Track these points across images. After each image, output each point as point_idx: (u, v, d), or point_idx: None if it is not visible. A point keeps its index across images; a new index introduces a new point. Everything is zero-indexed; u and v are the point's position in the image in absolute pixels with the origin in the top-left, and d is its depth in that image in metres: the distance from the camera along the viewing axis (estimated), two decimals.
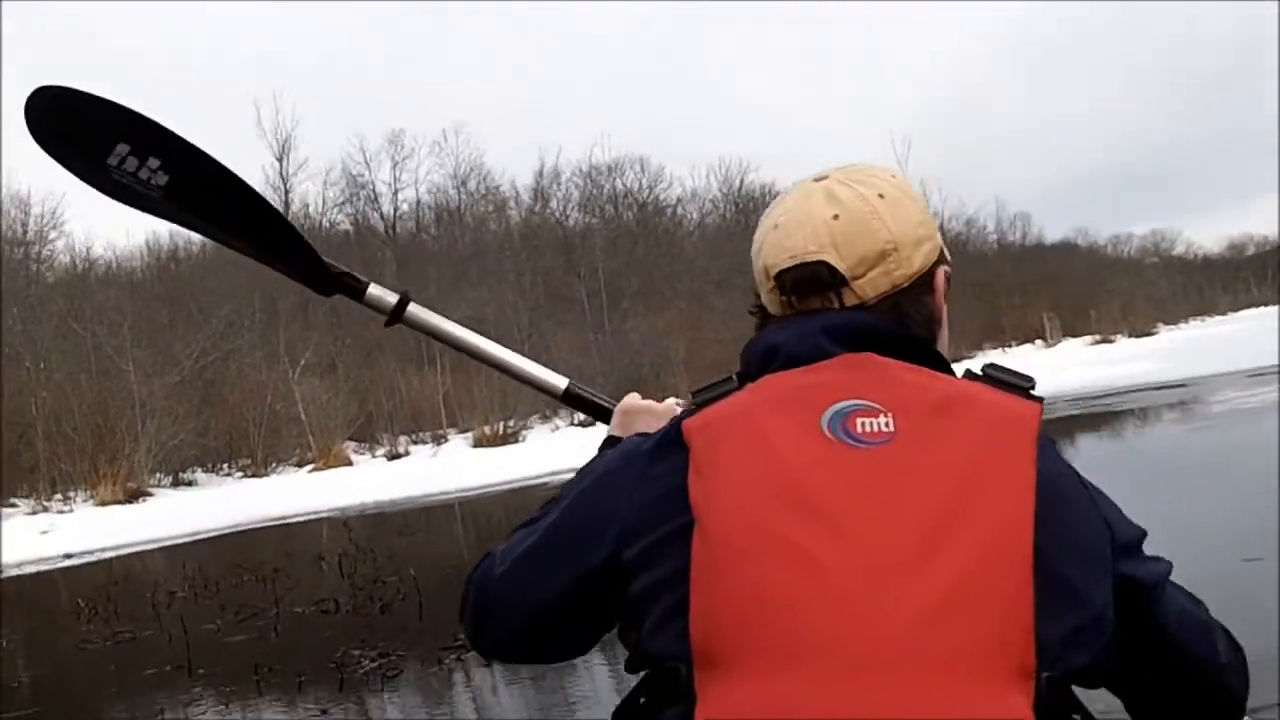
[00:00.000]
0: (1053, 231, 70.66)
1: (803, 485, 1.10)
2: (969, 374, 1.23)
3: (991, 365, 1.24)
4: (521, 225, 54.47)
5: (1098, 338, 44.76)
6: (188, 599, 12.34)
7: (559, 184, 55.16)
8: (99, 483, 29.40)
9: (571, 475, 1.37)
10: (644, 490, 1.20)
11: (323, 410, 34.27)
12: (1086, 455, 14.32)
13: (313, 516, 21.83)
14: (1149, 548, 1.27)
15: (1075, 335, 46.75)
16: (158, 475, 31.90)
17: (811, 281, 1.28)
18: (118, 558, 18.90)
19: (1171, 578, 1.28)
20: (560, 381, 1.77)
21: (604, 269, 48.11)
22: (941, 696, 1.02)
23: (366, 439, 35.76)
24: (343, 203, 55.02)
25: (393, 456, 33.53)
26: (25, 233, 43.83)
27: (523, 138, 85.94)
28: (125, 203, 1.71)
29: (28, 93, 1.69)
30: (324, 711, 6.81)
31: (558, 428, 35.49)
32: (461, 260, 49.49)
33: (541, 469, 21.35)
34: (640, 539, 1.18)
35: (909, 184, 1.36)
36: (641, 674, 1.19)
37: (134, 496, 29.21)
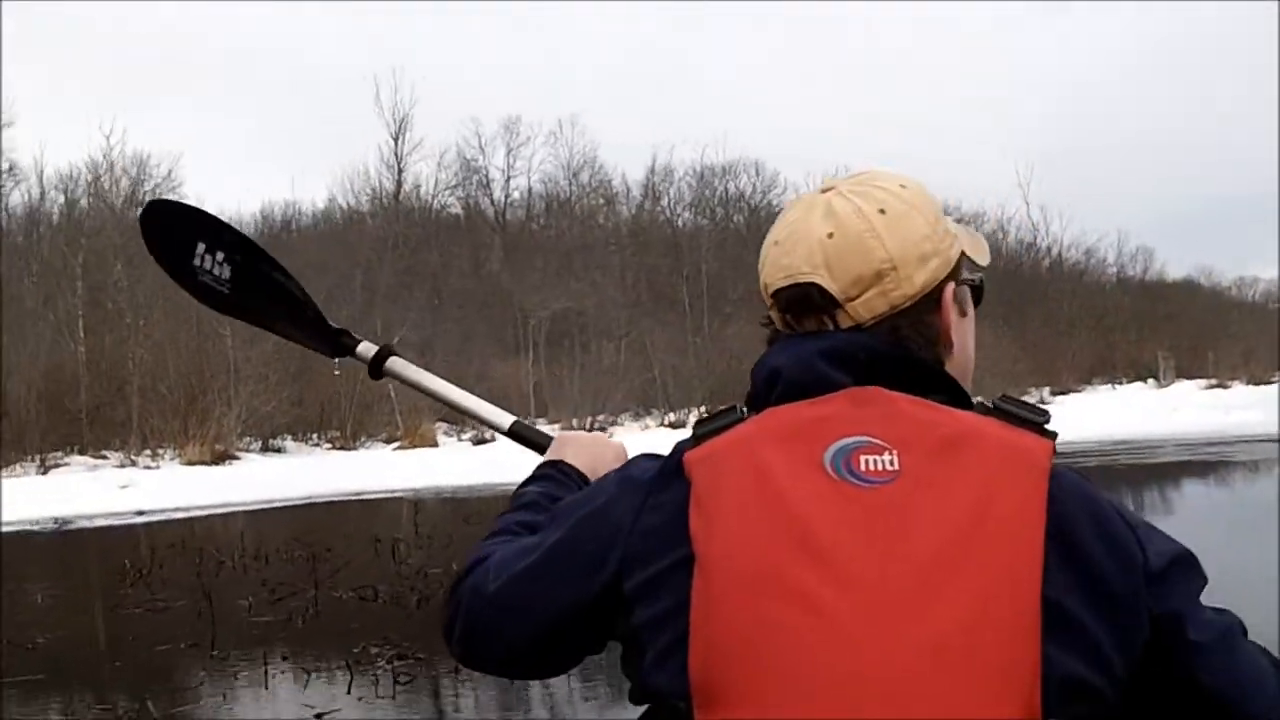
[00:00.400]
0: (1175, 269, 67.84)
1: (804, 525, 1.08)
2: (981, 406, 1.18)
3: (1005, 398, 1.18)
4: (630, 221, 54.19)
5: (1213, 381, 43.04)
6: (235, 570, 12.15)
7: (671, 182, 54.81)
8: (187, 443, 29.73)
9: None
10: (646, 518, 1.17)
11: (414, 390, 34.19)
12: (1192, 504, 13.43)
13: (388, 495, 21.68)
14: (1239, 603, 1.22)
15: (1190, 377, 44.99)
16: (247, 440, 32.17)
17: (804, 302, 1.24)
18: (186, 519, 18.89)
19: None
20: (506, 419, 1.81)
21: (708, 271, 47.56)
22: None
23: (457, 421, 35.71)
24: (454, 186, 55.25)
25: (478, 441, 33.33)
26: (142, 193, 44.72)
27: (637, 133, 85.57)
28: (206, 302, 1.99)
29: None
30: (318, 718, 6.38)
31: (648, 426, 35.07)
32: (567, 251, 49.37)
33: None
34: (642, 569, 1.16)
35: (922, 194, 1.28)
36: (644, 707, 1.17)
37: (220, 459, 29.45)
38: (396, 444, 32.88)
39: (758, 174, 55.26)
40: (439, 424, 34.69)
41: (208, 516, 19.29)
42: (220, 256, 1.95)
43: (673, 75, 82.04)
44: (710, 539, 1.11)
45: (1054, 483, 1.10)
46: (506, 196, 55.71)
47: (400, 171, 51.76)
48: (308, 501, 21.29)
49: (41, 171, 42.89)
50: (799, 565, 1.07)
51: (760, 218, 54.28)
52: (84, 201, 39.68)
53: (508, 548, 1.31)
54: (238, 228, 2.00)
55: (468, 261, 50.71)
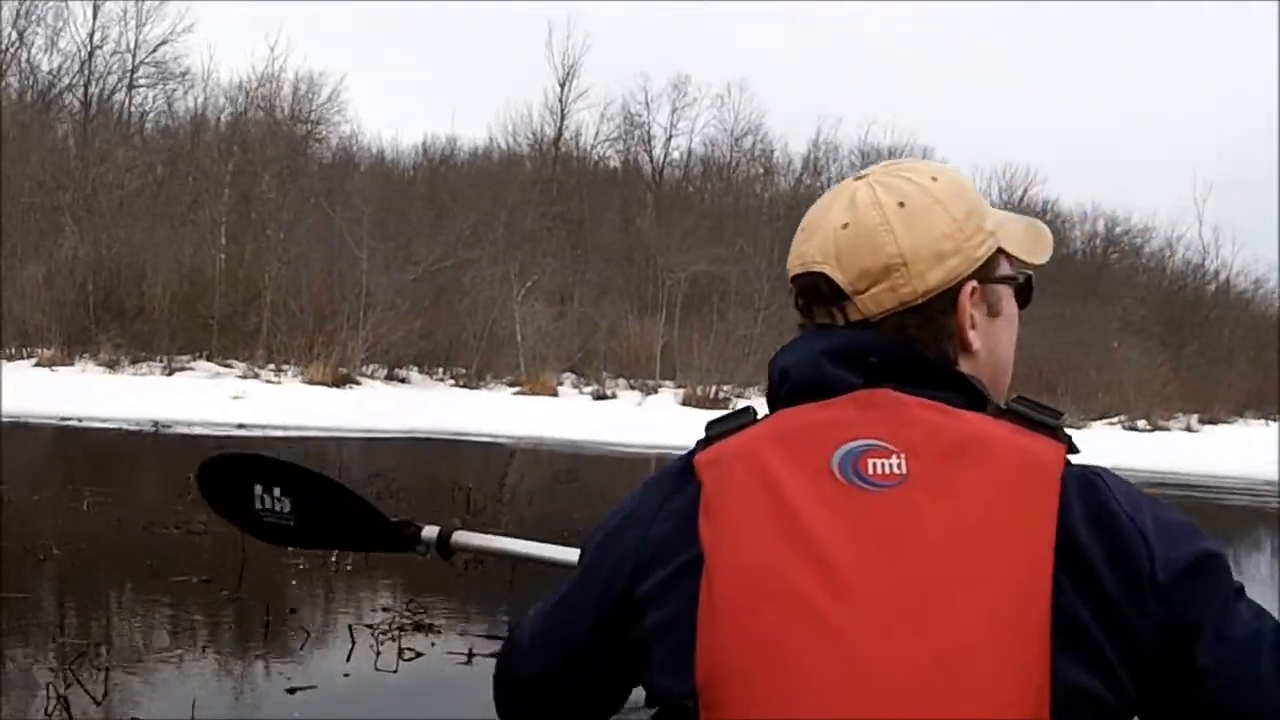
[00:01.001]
0: None
1: (809, 530, 1.07)
2: (995, 408, 1.15)
3: (1021, 399, 1.15)
4: (789, 194, 52.73)
5: None
6: None
7: (834, 158, 53.17)
8: (312, 361, 29.67)
9: None
10: (659, 525, 1.17)
11: (543, 337, 33.80)
12: None
13: (492, 439, 21.11)
14: None
15: None
16: (373, 367, 32.05)
17: (813, 292, 1.22)
18: (284, 438, 18.50)
19: None
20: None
21: None
22: None
23: (584, 374, 35.12)
24: (615, 139, 54.81)
25: (599, 397, 32.78)
26: (310, 111, 45.55)
27: (802, 105, 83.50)
28: (275, 541, 2.10)
29: None
30: (291, 691, 5.58)
31: None
32: (719, 216, 48.43)
33: None
34: (653, 573, 1.15)
35: (954, 188, 1.23)
36: (655, 709, 1.16)
37: (342, 382, 29.35)
38: (517, 388, 32.34)
39: (925, 159, 53.05)
40: (566, 375, 34.14)
41: (305, 438, 18.89)
42: (277, 492, 2.01)
43: (844, 50, 79.67)
44: (717, 543, 1.10)
45: (1065, 488, 1.07)
46: (666, 155, 55.11)
47: (562, 118, 51.78)
48: (411, 435, 20.82)
49: (208, 78, 43.52)
50: (802, 572, 1.05)
51: None
52: (248, 111, 40.17)
53: (543, 602, 1.33)
54: (285, 461, 2.07)
55: (618, 215, 50.07)
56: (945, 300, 1.19)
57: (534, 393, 31.48)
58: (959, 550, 1.04)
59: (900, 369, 1.15)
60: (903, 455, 1.08)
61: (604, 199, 50.27)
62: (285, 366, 30.28)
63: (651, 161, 55.26)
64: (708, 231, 44.67)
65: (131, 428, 18.72)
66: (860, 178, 1.26)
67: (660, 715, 1.14)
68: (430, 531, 1.97)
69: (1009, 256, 1.26)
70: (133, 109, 43.89)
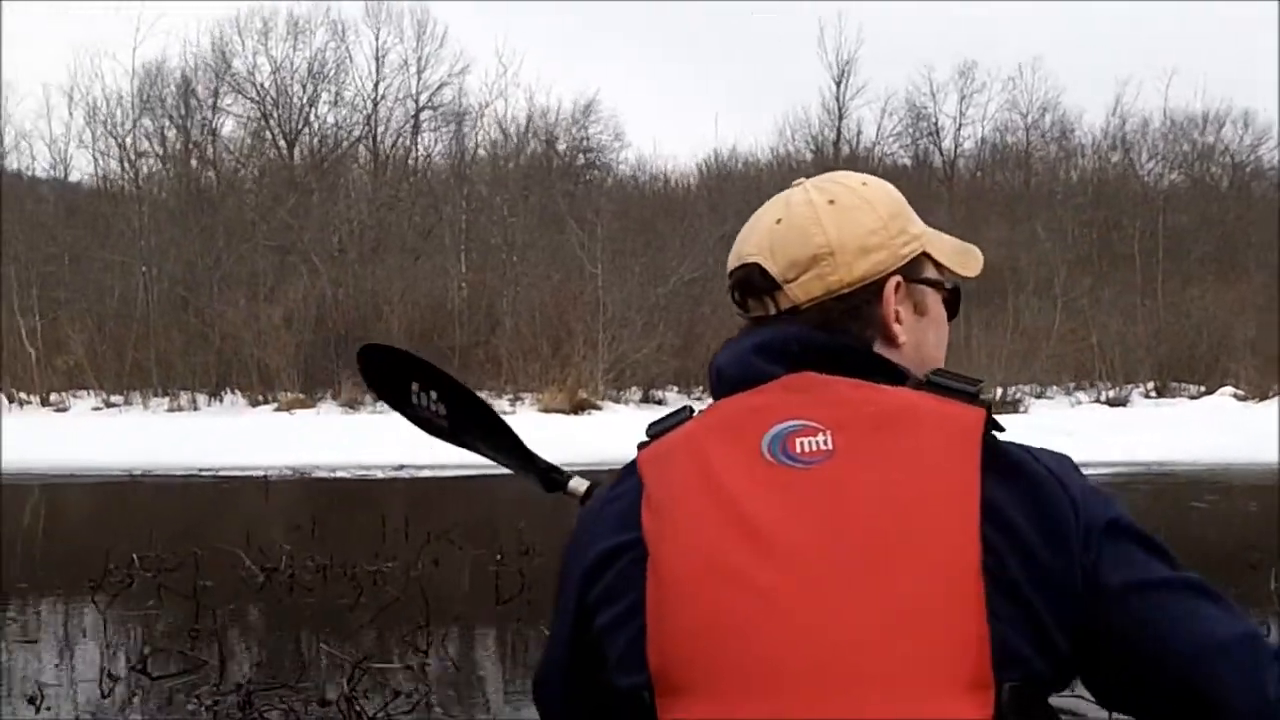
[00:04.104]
0: None
1: (745, 511, 1.11)
2: (916, 382, 1.21)
3: (939, 372, 1.22)
4: (1092, 173, 47.67)
5: None
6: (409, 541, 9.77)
7: (1145, 135, 47.50)
8: (547, 388, 27.87)
9: None
10: (601, 529, 1.21)
11: None
12: None
13: None
14: None
15: None
16: (623, 390, 29.98)
17: (747, 283, 1.30)
18: (451, 478, 16.37)
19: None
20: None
21: (1171, 227, 40.64)
22: (894, 713, 1.02)
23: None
24: (899, 133, 51.61)
25: None
26: (585, 139, 45.57)
27: (1100, 76, 76.42)
28: (427, 431, 1.99)
29: None
30: None
31: (1079, 403, 30.37)
32: (1009, 200, 44.55)
33: None
34: (601, 577, 1.18)
35: (883, 193, 1.33)
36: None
37: (579, 408, 27.31)
38: None
39: (1246, 125, 47.01)
40: None
41: (478, 477, 16.50)
42: (434, 395, 1.93)
43: (1143, 16, 72.32)
44: (660, 534, 1.13)
45: (988, 450, 1.11)
46: (956, 146, 51.36)
47: (841, 117, 49.35)
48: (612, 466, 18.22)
49: (486, 115, 43.43)
50: (742, 551, 1.08)
51: (1245, 174, 47.23)
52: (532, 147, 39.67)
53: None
54: (443, 370, 1.95)
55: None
56: (870, 292, 1.27)
57: None
58: (890, 518, 1.07)
59: (826, 358, 1.21)
60: (829, 432, 1.13)
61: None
62: (523, 395, 28.63)
63: (941, 154, 51.54)
64: (998, 218, 40.75)
65: (279, 473, 17.38)
66: (797, 185, 1.34)
67: (617, 708, 1.14)
68: (579, 484, 1.71)
69: (937, 265, 1.35)
70: (419, 151, 44.58)
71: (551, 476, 1.83)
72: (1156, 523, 8.09)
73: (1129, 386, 31.99)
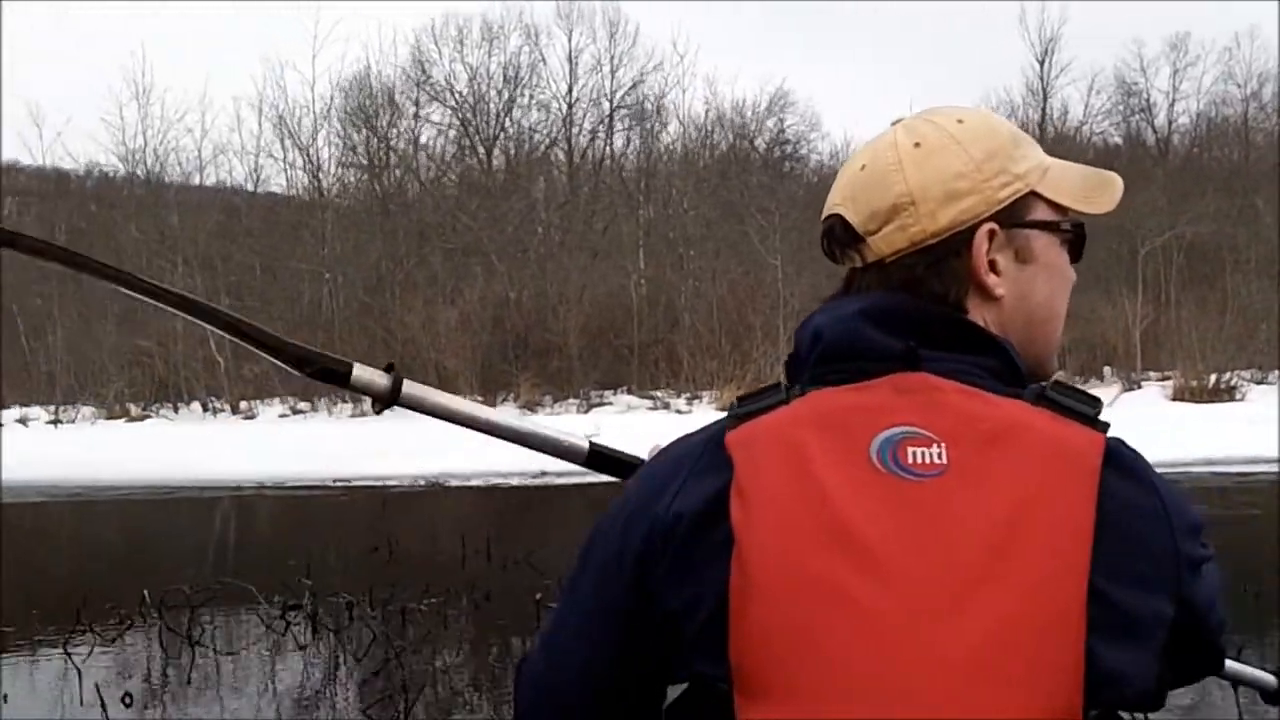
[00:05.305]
0: None
1: (847, 519, 1.06)
2: (1031, 393, 1.13)
3: (1057, 385, 1.14)
4: None
5: None
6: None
7: None
8: (726, 384, 27.18)
9: None
10: (682, 500, 1.13)
11: None
12: None
13: None
14: None
15: None
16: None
17: (832, 235, 1.23)
18: (590, 484, 15.68)
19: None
20: (581, 444, 1.59)
21: None
22: None
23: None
24: (1108, 111, 49.23)
25: None
26: (781, 132, 44.89)
27: None
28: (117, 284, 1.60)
29: None
30: None
31: None
32: (1231, 174, 41.41)
33: (1259, 448, 14.49)
34: (675, 553, 1.12)
35: (983, 129, 1.23)
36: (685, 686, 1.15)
37: None
38: None
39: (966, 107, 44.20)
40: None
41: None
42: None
43: None
44: (751, 529, 1.07)
45: (1106, 472, 1.07)
46: (1170, 122, 48.61)
47: (1045, 97, 47.34)
48: None
49: (679, 113, 43.28)
50: (839, 564, 1.04)
51: None
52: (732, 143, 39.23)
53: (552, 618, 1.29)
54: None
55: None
56: (958, 242, 1.19)
57: None
58: (997, 539, 1.04)
59: (940, 332, 1.16)
60: (943, 444, 1.08)
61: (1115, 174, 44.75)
62: (701, 394, 27.96)
63: (1155, 131, 48.80)
64: (1215, 194, 37.85)
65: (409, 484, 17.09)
66: (895, 124, 1.27)
67: (690, 693, 1.13)
68: (370, 374, 1.49)
69: (1054, 205, 1.24)
70: (611, 152, 44.46)
71: (310, 357, 1.49)
72: None
73: None
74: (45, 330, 37.45)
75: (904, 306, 1.17)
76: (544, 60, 43.62)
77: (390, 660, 6.99)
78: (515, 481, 17.34)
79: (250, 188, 40.45)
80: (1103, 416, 1.12)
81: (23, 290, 40.28)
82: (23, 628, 8.18)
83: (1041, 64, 46.58)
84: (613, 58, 43.07)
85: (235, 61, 64.92)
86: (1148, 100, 48.74)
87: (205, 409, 31.86)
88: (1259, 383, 27.90)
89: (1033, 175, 1.23)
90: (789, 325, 28.55)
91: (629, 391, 29.44)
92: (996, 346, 1.16)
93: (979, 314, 1.19)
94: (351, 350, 31.80)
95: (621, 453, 1.57)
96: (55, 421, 33.80)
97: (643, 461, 1.41)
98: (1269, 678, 1.73)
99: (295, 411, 31.28)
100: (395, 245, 34.32)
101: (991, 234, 1.19)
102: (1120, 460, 1.09)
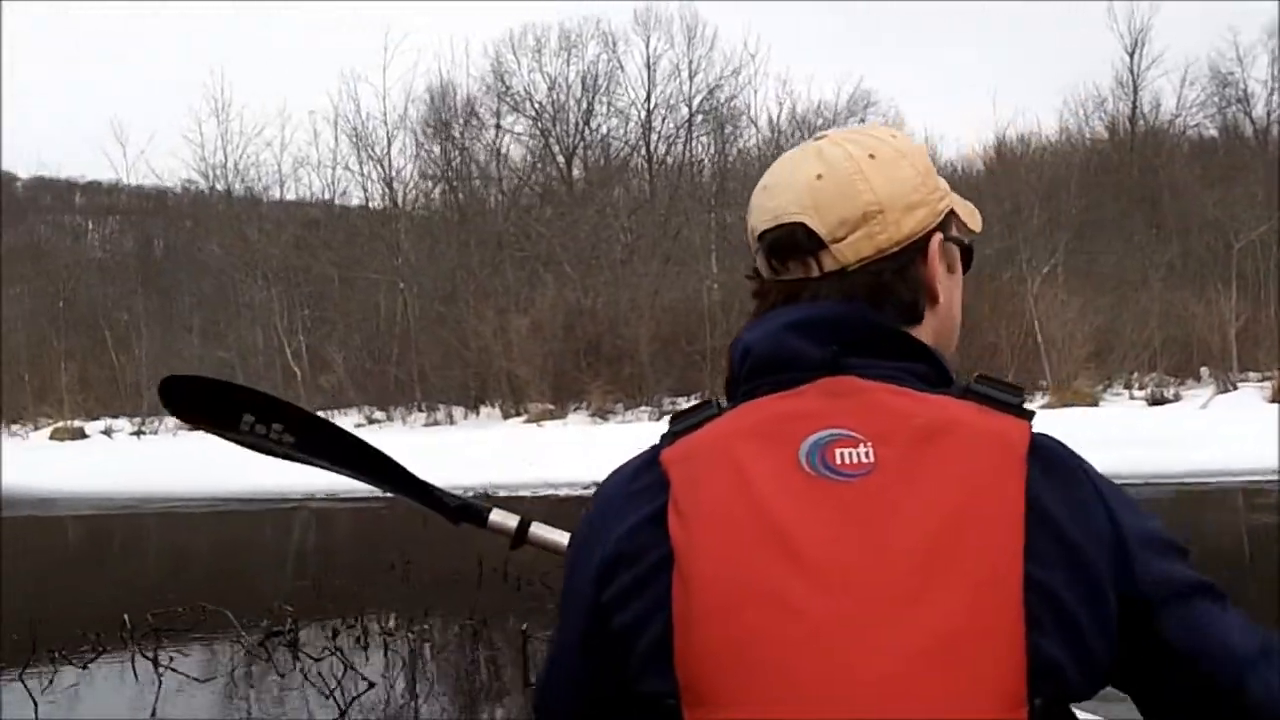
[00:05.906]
0: None
1: (783, 526, 1.07)
2: (959, 389, 1.16)
3: (981, 378, 1.17)
4: None
5: None
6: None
7: None
8: None
9: None
10: (623, 525, 1.15)
11: (1068, 334, 28.30)
12: None
13: None
14: None
15: None
16: None
17: (788, 243, 1.23)
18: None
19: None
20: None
21: None
22: None
23: (1109, 373, 29.00)
24: (1203, 103, 47.07)
25: (1155, 401, 26.67)
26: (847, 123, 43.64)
27: None
28: (261, 452, 1.90)
29: None
30: None
31: None
32: None
33: None
34: (621, 574, 1.14)
35: (913, 145, 1.30)
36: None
37: None
38: (1043, 401, 26.94)
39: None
40: (1106, 377, 28.35)
41: None
42: (278, 427, 1.88)
43: None
44: (690, 544, 1.09)
45: (1031, 462, 1.09)
46: (1269, 113, 46.06)
47: (1136, 90, 45.36)
48: None
49: (759, 116, 42.90)
50: (779, 569, 1.05)
51: None
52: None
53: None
54: (289, 403, 1.92)
55: (1197, 185, 42.76)
56: (916, 250, 1.23)
57: (1064, 404, 25.98)
58: (933, 535, 1.05)
59: (866, 339, 1.17)
60: (870, 444, 1.09)
61: (1188, 171, 43.11)
62: None
63: (1253, 122, 46.47)
64: None
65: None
66: (817, 140, 1.29)
67: (639, 713, 1.12)
68: (505, 518, 1.77)
69: (956, 217, 1.31)
70: (690, 157, 44.19)
71: (458, 508, 1.77)
72: None
73: None
74: (131, 343, 38.14)
75: (830, 315, 1.18)
76: (621, 67, 43.41)
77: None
78: (564, 492, 17.07)
79: (328, 199, 40.91)
80: (1028, 405, 1.12)
81: (110, 305, 41.18)
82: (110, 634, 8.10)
83: (1131, 56, 45.04)
84: (690, 62, 42.75)
85: (311, 76, 65.74)
86: (1245, 90, 46.58)
87: None
88: None
89: (949, 193, 1.28)
90: None
91: (701, 398, 29.00)
92: (926, 352, 1.19)
93: (930, 320, 1.23)
94: (425, 359, 31.87)
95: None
96: (139, 433, 34.44)
97: None
98: None
99: (371, 421, 31.40)
100: (469, 255, 34.32)
101: (941, 244, 1.23)
102: (1045, 449, 1.10)
